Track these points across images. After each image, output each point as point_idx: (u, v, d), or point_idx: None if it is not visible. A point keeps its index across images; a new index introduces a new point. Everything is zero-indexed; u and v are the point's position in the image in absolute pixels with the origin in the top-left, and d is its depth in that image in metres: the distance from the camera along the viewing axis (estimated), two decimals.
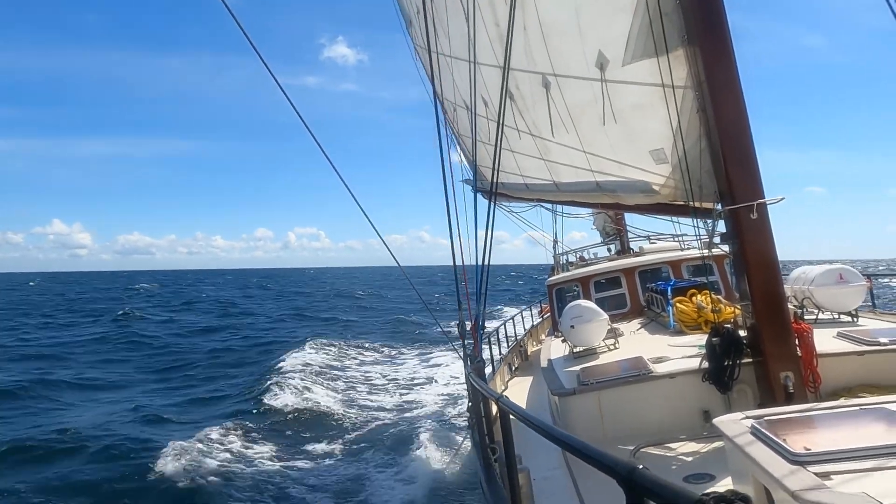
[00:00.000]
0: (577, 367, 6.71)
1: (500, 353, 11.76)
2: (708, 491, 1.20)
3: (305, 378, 19.16)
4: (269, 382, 18.22)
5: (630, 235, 15.13)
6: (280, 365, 21.05)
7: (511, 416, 3.36)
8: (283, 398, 16.58)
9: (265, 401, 16.36)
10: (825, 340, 5.93)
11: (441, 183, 7.36)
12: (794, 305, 7.41)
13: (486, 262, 6.50)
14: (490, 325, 11.67)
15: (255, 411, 15.64)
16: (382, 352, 26.61)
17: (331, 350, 25.48)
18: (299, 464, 11.94)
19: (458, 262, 7.02)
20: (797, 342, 5.30)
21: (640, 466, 1.52)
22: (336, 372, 21.26)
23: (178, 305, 55.15)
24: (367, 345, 27.85)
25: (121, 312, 42.72)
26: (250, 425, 14.25)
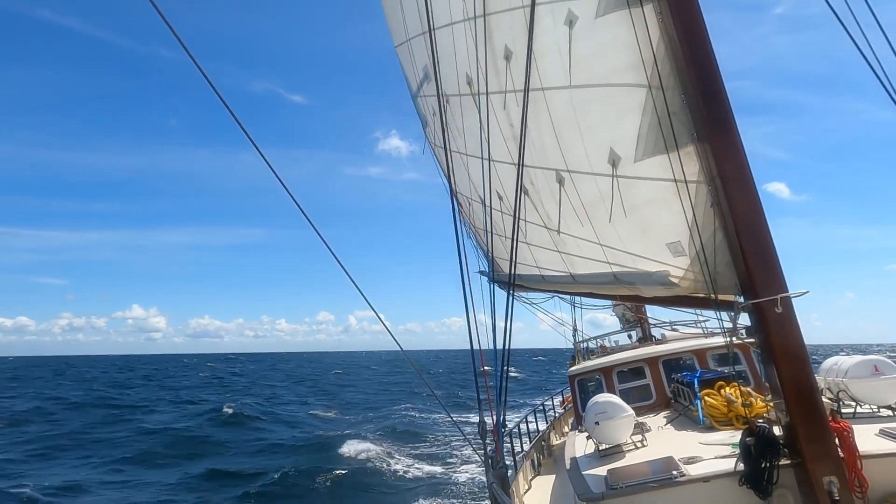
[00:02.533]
0: (605, 469, 6.40)
1: (522, 448, 11.30)
2: None
3: None
4: None
5: (651, 322, 14.88)
6: None
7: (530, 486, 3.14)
8: None
9: None
10: (868, 439, 5.61)
11: (458, 276, 7.36)
12: (830, 398, 7.10)
13: (505, 356, 6.37)
14: (512, 417, 11.29)
15: None
16: None
17: None
18: None
19: (478, 357, 6.89)
20: (837, 442, 5.02)
21: None
22: None
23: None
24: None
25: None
26: None
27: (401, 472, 22.19)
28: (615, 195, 6.30)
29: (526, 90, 5.95)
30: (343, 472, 21.81)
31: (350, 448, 25.71)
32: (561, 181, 7.03)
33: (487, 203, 8.49)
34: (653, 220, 6.13)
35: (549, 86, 6.56)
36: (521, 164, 6.21)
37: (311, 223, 5.32)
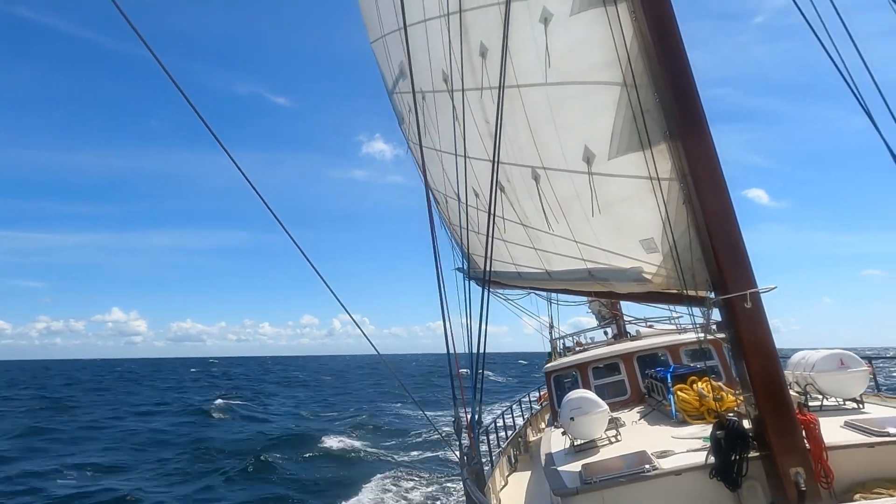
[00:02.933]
0: (579, 463, 6.45)
1: (499, 444, 11.35)
2: None
3: None
4: None
5: (626, 318, 15.04)
6: None
7: (507, 483, 3.15)
8: None
9: None
10: (832, 431, 5.75)
11: (434, 273, 7.35)
12: (797, 392, 7.26)
13: (481, 352, 6.37)
14: (488, 414, 11.32)
15: None
16: None
17: None
18: None
19: (454, 354, 6.88)
20: (804, 434, 5.13)
21: None
22: None
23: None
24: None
25: None
26: None
27: (375, 461, 22.61)
28: (590, 192, 6.35)
29: (501, 87, 5.96)
30: (324, 464, 22.56)
31: (331, 442, 26.43)
32: (536, 178, 7.05)
33: (463, 200, 8.48)
34: (627, 216, 6.19)
35: (524, 83, 6.58)
36: (496, 161, 6.22)
37: (282, 225, 5.24)
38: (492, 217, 6.35)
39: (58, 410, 41.82)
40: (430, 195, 9.61)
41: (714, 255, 5.28)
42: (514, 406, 14.42)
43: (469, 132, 7.72)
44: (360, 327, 6.32)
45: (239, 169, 4.73)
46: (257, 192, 4.86)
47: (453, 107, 7.72)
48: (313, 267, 5.45)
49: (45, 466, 22.48)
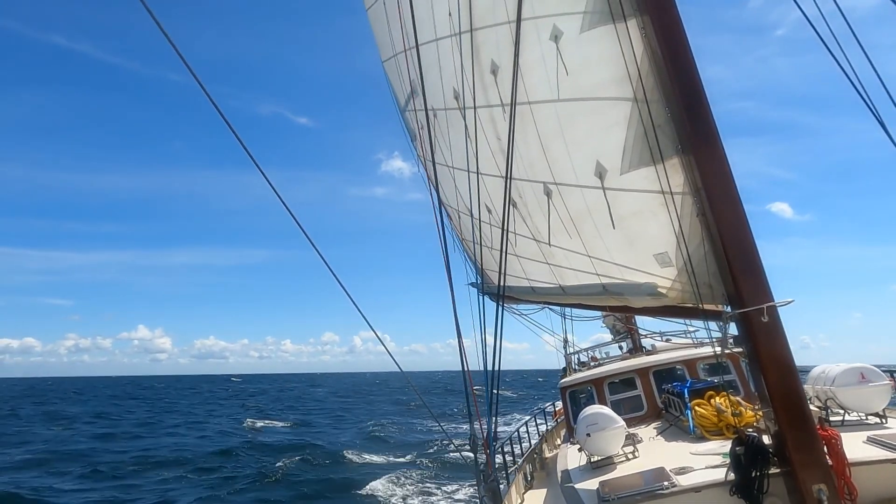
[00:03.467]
0: (596, 480, 6.39)
1: (514, 460, 11.25)
2: None
3: None
4: None
5: (641, 332, 14.93)
6: None
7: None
8: None
9: None
10: (855, 446, 5.65)
11: (448, 289, 7.37)
12: (818, 406, 7.15)
13: (496, 369, 6.36)
14: (503, 430, 11.26)
15: None
16: None
17: None
18: None
19: (470, 370, 6.88)
20: (826, 450, 5.05)
21: None
22: None
23: None
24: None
25: None
26: None
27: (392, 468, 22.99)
28: (602, 207, 6.35)
29: (513, 104, 6.01)
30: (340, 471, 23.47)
31: (354, 456, 27.08)
32: (549, 193, 7.08)
33: (476, 216, 8.52)
34: (640, 231, 6.19)
35: (535, 99, 6.63)
36: (508, 178, 6.26)
37: (311, 243, 5.28)
38: (505, 233, 6.37)
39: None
40: (443, 211, 9.67)
41: (729, 268, 5.24)
42: (528, 422, 14.31)
43: (481, 149, 7.78)
44: (383, 343, 6.31)
45: (272, 187, 4.76)
46: (290, 211, 4.89)
47: (465, 124, 7.79)
48: (340, 282, 5.46)
49: None
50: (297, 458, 26.25)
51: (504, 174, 6.36)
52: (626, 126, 5.93)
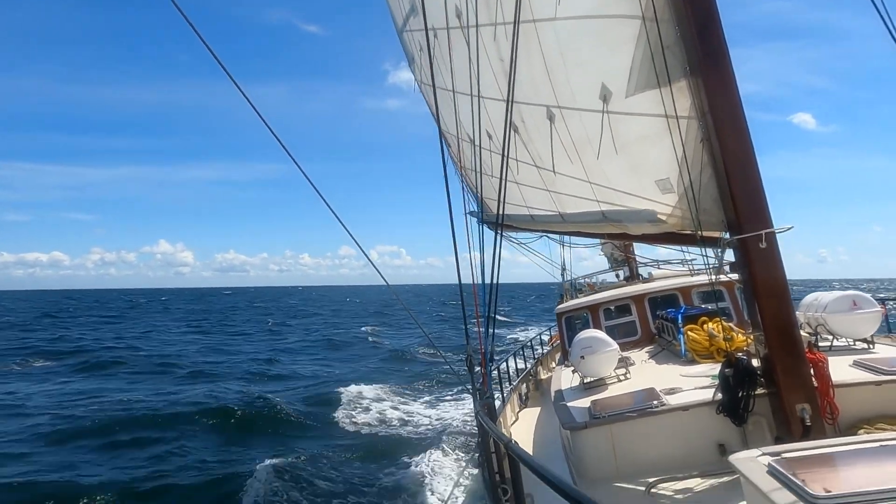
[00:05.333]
0: (588, 400, 6.61)
1: (511, 383, 11.63)
2: None
3: None
4: None
5: (638, 261, 15.06)
6: None
7: (514, 429, 3.29)
8: None
9: None
10: (841, 369, 5.82)
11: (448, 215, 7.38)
12: (808, 332, 7.31)
13: (494, 282, 6.45)
14: (500, 353, 11.58)
15: None
16: None
17: None
18: None
19: (466, 292, 6.98)
20: (812, 372, 5.21)
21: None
22: None
23: None
24: None
25: None
26: None
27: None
28: (605, 131, 6.24)
29: (516, 21, 5.77)
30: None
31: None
32: (551, 118, 6.93)
33: (477, 142, 8.39)
34: (642, 156, 6.11)
35: (540, 17, 6.37)
36: (510, 101, 6.11)
37: (291, 156, 5.29)
38: (505, 159, 6.29)
39: None
40: (443, 139, 9.50)
41: (731, 193, 5.22)
42: (525, 346, 14.69)
43: (483, 71, 7.56)
44: (370, 260, 6.38)
45: (249, 102, 4.71)
46: (268, 126, 4.86)
47: (467, 44, 7.52)
48: (321, 195, 5.51)
49: None
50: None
51: (506, 97, 6.20)
52: (634, 46, 5.72)
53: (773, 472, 3.23)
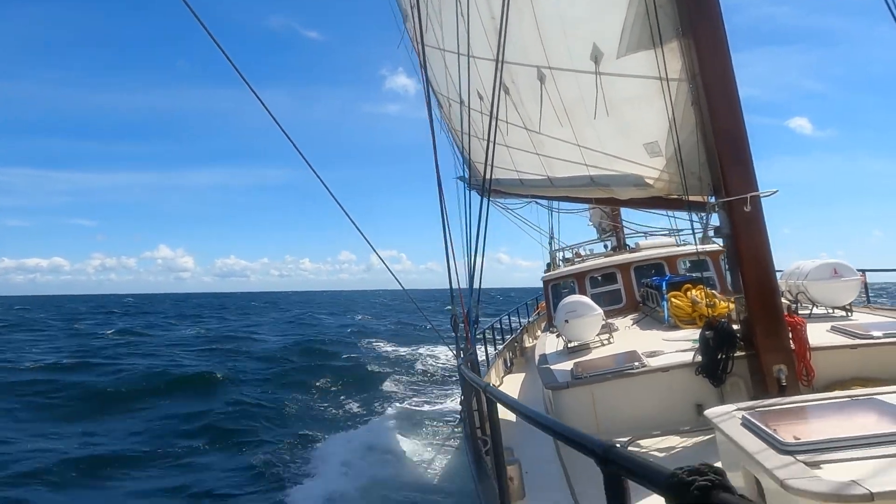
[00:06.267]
0: (571, 362, 6.69)
1: (496, 348, 11.74)
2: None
3: None
4: None
5: (626, 231, 15.11)
6: None
7: (499, 407, 3.34)
8: None
9: None
10: (819, 334, 5.91)
11: (437, 176, 7.36)
12: (789, 300, 7.40)
13: (479, 254, 6.48)
14: (486, 323, 11.67)
15: None
16: None
17: None
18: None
19: (451, 254, 7.00)
20: (791, 335, 5.29)
21: (617, 445, 1.50)
22: None
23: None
24: None
25: None
26: None
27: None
28: (596, 93, 6.18)
29: None
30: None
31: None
32: (542, 79, 6.85)
33: (466, 103, 8.29)
34: (632, 119, 6.07)
35: None
36: (500, 60, 6.02)
37: (306, 160, 5.33)
38: (494, 119, 6.23)
39: None
40: (433, 99, 9.37)
41: (718, 157, 5.21)
42: (511, 313, 14.79)
43: (474, 30, 7.42)
44: (385, 262, 6.41)
45: (265, 107, 4.65)
46: (284, 132, 4.84)
47: (457, 1, 7.37)
48: (335, 198, 5.50)
49: None
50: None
51: (496, 57, 6.11)
52: (627, 6, 5.64)
53: (746, 423, 3.30)
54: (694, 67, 5.32)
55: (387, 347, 30.85)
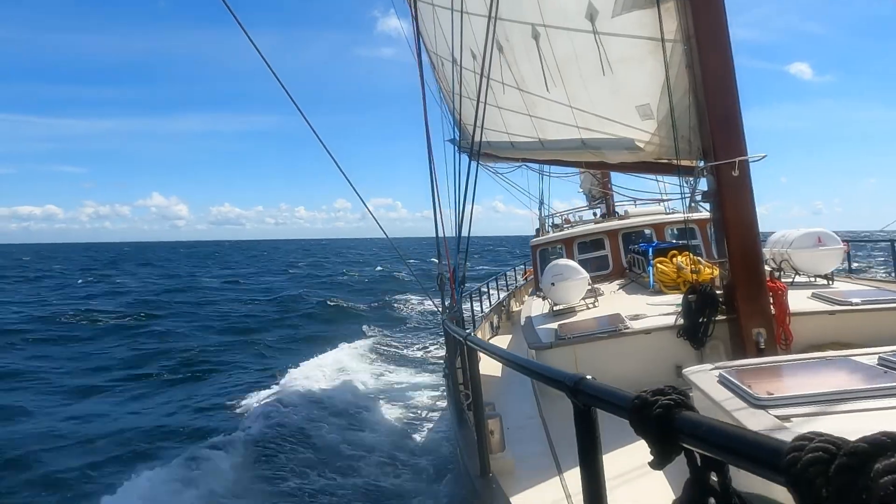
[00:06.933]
0: (556, 324, 6.76)
1: (482, 311, 11.82)
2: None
3: None
4: None
5: (616, 199, 15.12)
6: None
7: (482, 365, 3.38)
8: None
9: None
10: (799, 300, 6.00)
11: (427, 138, 7.29)
12: (772, 267, 7.48)
13: (465, 212, 6.45)
14: (472, 286, 11.73)
15: None
16: None
17: None
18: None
19: (439, 215, 6.98)
20: (771, 300, 5.36)
21: (588, 377, 1.53)
22: None
23: None
24: None
25: None
26: None
27: None
28: (591, 52, 6.10)
29: None
30: None
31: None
32: (536, 37, 6.74)
33: (459, 62, 8.14)
34: (625, 80, 6.01)
35: None
36: (493, 17, 5.89)
37: (297, 107, 5.15)
38: (486, 78, 6.13)
39: None
40: (428, 58, 9.20)
41: (708, 120, 5.19)
42: (497, 278, 14.86)
43: None
44: (371, 212, 6.34)
45: (257, 49, 4.51)
46: (275, 74, 4.68)
47: None
48: (326, 149, 5.40)
49: None
50: None
51: (489, 12, 5.98)
52: None
53: (722, 380, 3.37)
54: (689, 28, 5.25)
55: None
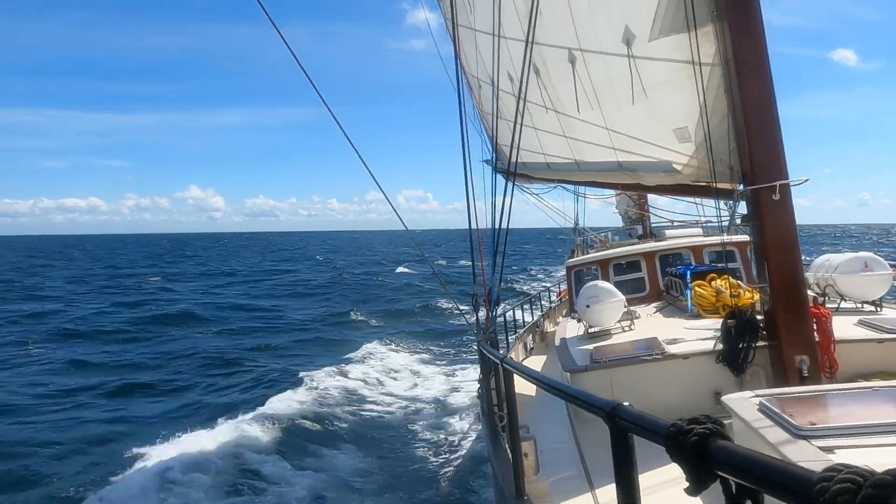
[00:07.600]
0: (591, 346, 6.71)
1: (516, 331, 11.79)
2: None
3: None
4: None
5: (652, 220, 14.95)
6: None
7: (516, 388, 3.41)
8: None
9: None
10: (845, 327, 5.84)
11: (464, 158, 7.43)
12: (816, 293, 7.29)
13: (502, 230, 6.50)
14: (507, 307, 11.73)
15: None
16: None
17: None
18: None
19: (476, 238, 7.04)
20: (815, 327, 5.23)
21: (626, 404, 1.56)
22: None
23: None
24: None
25: None
26: None
27: None
28: (627, 77, 6.13)
29: None
30: None
31: None
32: (573, 61, 6.81)
33: (496, 84, 8.26)
34: (662, 103, 6.01)
35: None
36: (530, 41, 5.99)
37: (323, 101, 5.32)
38: (523, 101, 6.22)
39: None
40: (463, 80, 9.37)
41: (748, 143, 5.15)
42: (532, 300, 14.81)
43: (506, 9, 7.38)
44: (392, 205, 6.47)
45: (287, 46, 4.72)
46: (302, 68, 4.86)
47: None
48: (350, 142, 5.54)
49: None
50: None
51: (527, 38, 6.08)
52: None
53: (762, 409, 3.31)
54: (727, 52, 5.24)
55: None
